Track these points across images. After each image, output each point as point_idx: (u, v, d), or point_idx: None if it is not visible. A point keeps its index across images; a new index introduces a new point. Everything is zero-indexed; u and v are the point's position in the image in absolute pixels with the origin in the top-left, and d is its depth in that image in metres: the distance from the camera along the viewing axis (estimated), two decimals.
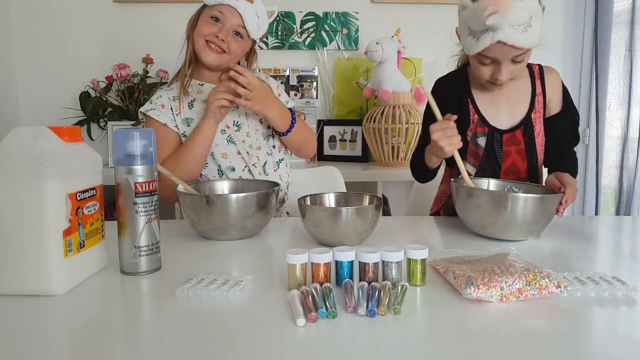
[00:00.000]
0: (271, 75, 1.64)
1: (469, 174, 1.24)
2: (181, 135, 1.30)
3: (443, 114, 1.24)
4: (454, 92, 1.23)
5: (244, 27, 1.27)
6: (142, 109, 1.31)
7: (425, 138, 1.31)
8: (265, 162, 1.35)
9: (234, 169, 1.31)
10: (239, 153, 1.31)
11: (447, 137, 1.05)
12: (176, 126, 1.30)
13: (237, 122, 1.33)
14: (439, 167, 1.24)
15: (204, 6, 1.30)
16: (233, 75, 1.17)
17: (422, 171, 1.27)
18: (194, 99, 1.32)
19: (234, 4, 1.24)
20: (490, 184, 1.13)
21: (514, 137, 1.20)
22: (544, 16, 1.07)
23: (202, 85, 1.35)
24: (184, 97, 1.31)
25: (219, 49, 1.27)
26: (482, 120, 1.20)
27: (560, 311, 0.65)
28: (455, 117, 1.09)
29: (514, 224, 0.93)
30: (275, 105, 1.26)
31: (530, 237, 0.98)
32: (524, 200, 0.92)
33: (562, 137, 1.23)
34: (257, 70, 1.41)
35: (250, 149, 1.32)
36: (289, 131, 1.31)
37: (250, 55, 1.37)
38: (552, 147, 1.23)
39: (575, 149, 1.27)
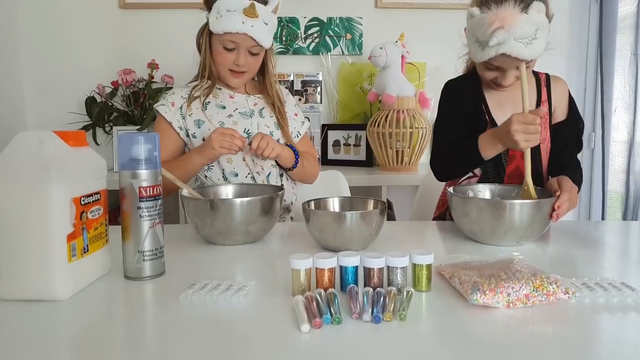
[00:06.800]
0: None
1: (474, 174, 1.23)
2: (191, 136, 1.31)
3: (459, 114, 1.23)
4: (470, 93, 1.23)
5: (258, 45, 1.28)
6: (155, 104, 1.35)
7: (447, 134, 1.23)
8: (269, 173, 1.35)
9: (237, 175, 1.32)
10: (244, 160, 1.32)
11: (526, 133, 0.99)
12: (180, 127, 1.31)
13: (248, 130, 1.33)
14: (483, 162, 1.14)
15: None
16: (255, 149, 1.22)
17: (465, 166, 1.18)
18: (209, 102, 1.33)
19: (242, 31, 1.24)
20: (496, 189, 1.11)
21: None
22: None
23: (219, 89, 1.36)
24: (199, 98, 1.33)
25: (241, 73, 1.32)
26: (492, 123, 1.21)
27: (568, 318, 0.64)
28: (545, 111, 1.05)
29: (505, 231, 0.93)
30: (285, 151, 1.30)
31: (524, 243, 0.97)
32: (512, 206, 0.92)
33: (566, 144, 1.23)
34: (275, 68, 1.41)
35: (256, 158, 1.32)
36: (294, 166, 1.35)
37: (267, 59, 1.37)
38: (554, 153, 1.24)
39: (580, 157, 1.27)
